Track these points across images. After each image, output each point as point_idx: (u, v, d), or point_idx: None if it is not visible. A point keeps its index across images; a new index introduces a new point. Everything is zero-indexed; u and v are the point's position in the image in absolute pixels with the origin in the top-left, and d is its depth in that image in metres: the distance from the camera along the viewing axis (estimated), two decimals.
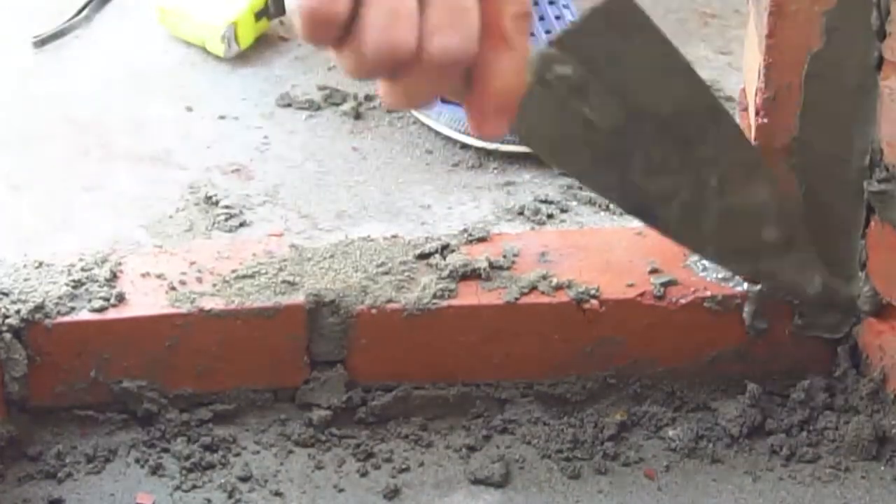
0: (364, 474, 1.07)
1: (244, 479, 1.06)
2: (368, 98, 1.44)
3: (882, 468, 1.07)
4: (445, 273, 1.14)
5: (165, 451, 1.07)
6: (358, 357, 1.13)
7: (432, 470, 1.07)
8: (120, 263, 1.14)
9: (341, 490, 1.05)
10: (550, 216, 1.29)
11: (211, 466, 1.07)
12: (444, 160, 1.36)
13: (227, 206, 1.31)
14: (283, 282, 1.12)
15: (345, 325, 1.12)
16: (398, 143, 1.39)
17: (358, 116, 1.42)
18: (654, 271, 1.16)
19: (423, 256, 1.16)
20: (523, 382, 1.15)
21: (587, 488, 1.05)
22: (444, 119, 1.36)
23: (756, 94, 1.09)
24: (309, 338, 1.12)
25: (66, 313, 1.09)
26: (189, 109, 1.44)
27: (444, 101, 1.36)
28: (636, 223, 1.28)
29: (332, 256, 1.16)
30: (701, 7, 1.56)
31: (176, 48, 1.52)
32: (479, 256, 1.15)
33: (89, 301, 1.10)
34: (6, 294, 1.09)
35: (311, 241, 1.22)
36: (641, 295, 1.15)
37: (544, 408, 1.13)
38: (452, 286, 1.13)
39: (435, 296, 1.13)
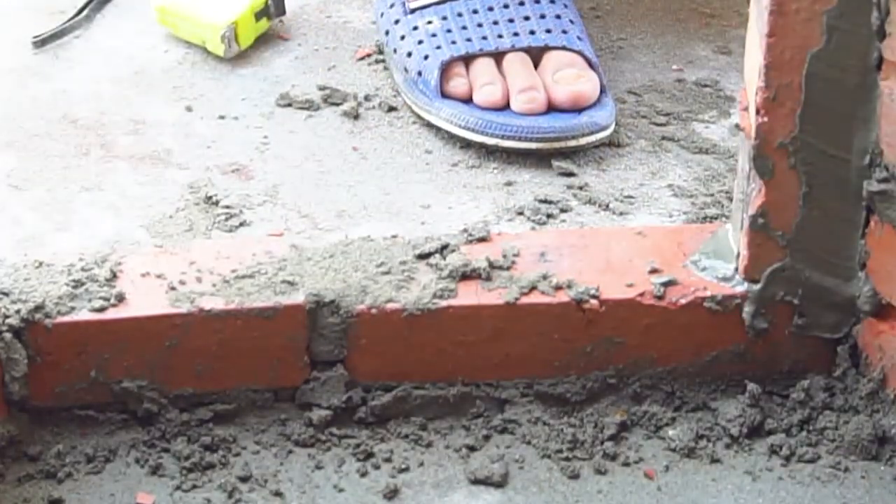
0: (364, 474, 1.07)
1: (244, 479, 1.06)
2: (368, 98, 1.44)
3: (882, 468, 1.07)
4: (445, 273, 1.14)
5: (165, 451, 1.07)
6: (358, 357, 1.13)
7: (432, 470, 1.07)
8: (120, 263, 1.14)
9: (341, 490, 1.05)
10: (550, 216, 1.29)
11: (211, 466, 1.07)
12: (444, 160, 1.36)
13: (227, 206, 1.31)
14: (283, 282, 1.12)
15: (345, 325, 1.12)
16: (398, 143, 1.39)
17: (357, 116, 1.42)
18: (654, 271, 1.16)
19: (423, 256, 1.16)
20: (523, 382, 1.15)
21: (587, 488, 1.05)
22: (444, 115, 1.36)
23: (756, 94, 1.09)
24: (309, 338, 1.12)
25: (66, 313, 1.09)
26: (189, 109, 1.44)
27: (444, 96, 1.37)
28: (636, 223, 1.28)
29: (332, 256, 1.16)
30: (701, 7, 1.56)
31: (176, 48, 1.52)
32: (479, 256, 1.15)
33: (89, 301, 1.10)
34: (6, 294, 1.09)
35: (312, 241, 1.22)
36: (641, 295, 1.15)
37: (544, 408, 1.13)
38: (452, 286, 1.13)
39: (435, 296, 1.13)
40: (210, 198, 1.32)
